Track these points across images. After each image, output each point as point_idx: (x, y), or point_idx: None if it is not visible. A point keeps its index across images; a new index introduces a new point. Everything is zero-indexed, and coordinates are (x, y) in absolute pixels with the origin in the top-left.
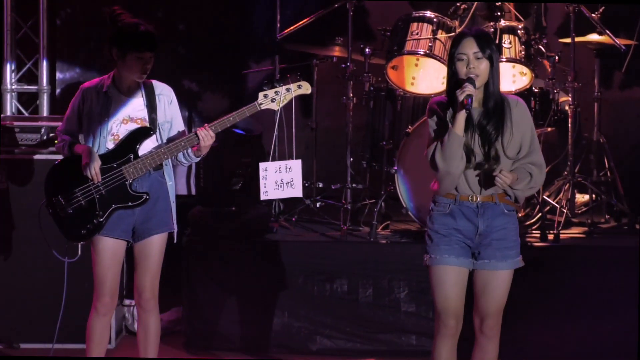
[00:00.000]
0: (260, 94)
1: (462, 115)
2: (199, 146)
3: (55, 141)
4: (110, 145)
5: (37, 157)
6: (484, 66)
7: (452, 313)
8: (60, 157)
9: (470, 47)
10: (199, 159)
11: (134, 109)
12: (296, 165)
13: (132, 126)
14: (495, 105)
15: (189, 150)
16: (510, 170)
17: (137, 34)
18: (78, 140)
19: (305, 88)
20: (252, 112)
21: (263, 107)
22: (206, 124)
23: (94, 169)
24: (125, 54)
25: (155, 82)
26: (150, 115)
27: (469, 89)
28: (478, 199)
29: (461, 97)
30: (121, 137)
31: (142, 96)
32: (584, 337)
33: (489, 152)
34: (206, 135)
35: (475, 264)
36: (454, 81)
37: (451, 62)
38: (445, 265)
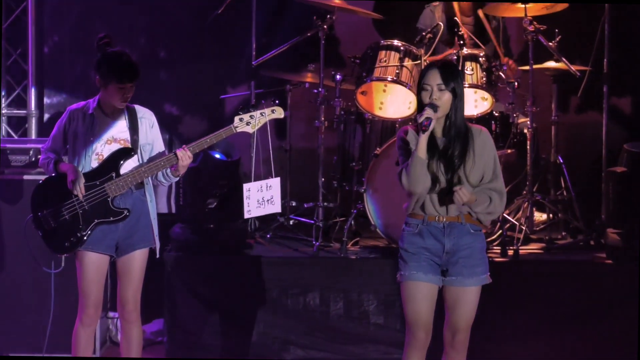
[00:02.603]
0: (236, 118)
1: (423, 138)
2: (177, 166)
3: (39, 156)
4: (95, 164)
5: (26, 177)
6: (446, 97)
7: (421, 326)
8: (41, 177)
9: (434, 79)
10: (177, 178)
11: (118, 131)
12: (275, 183)
13: (116, 146)
14: (457, 134)
15: (168, 171)
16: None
17: (119, 66)
18: (61, 158)
19: (279, 112)
20: (228, 135)
21: (239, 130)
22: (184, 145)
23: (79, 185)
24: (108, 83)
25: (137, 107)
26: (132, 136)
27: (427, 112)
28: (444, 219)
29: (420, 120)
30: (105, 156)
31: (125, 119)
32: (543, 348)
33: (452, 178)
34: (184, 155)
35: (445, 280)
36: (420, 109)
37: (419, 92)
38: (414, 281)
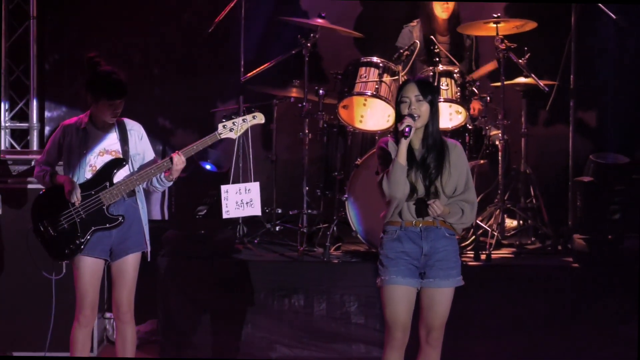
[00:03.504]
0: (220, 125)
1: (403, 145)
2: (171, 171)
3: (33, 169)
4: (89, 175)
5: (30, 186)
6: (424, 108)
7: (400, 327)
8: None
9: (412, 91)
10: (171, 183)
11: (109, 143)
12: (254, 187)
13: (108, 158)
14: (434, 143)
15: (162, 176)
16: (445, 205)
17: (108, 83)
18: (56, 171)
19: (259, 118)
20: (213, 141)
21: (223, 136)
22: (177, 151)
23: (76, 195)
24: (98, 99)
25: (126, 120)
26: (123, 148)
27: (408, 121)
28: (420, 224)
29: (401, 128)
30: (98, 167)
31: (116, 131)
32: (513, 346)
33: (430, 187)
34: (179, 160)
35: (422, 282)
36: (399, 120)
37: (397, 106)
38: (393, 285)
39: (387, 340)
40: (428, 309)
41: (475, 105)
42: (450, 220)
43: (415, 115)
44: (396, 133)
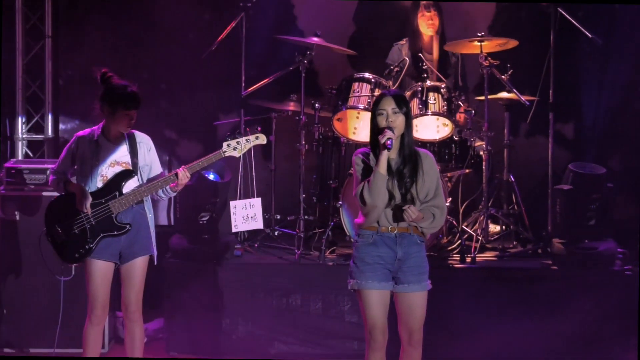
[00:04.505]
0: (224, 144)
1: (384, 156)
2: (177, 183)
3: (48, 173)
4: (100, 184)
5: (45, 193)
6: (400, 120)
7: (379, 329)
8: (56, 194)
9: (389, 104)
10: (175, 194)
11: (120, 155)
12: (257, 202)
13: (118, 169)
14: (410, 153)
15: (167, 187)
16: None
17: (125, 95)
18: (69, 179)
19: (262, 139)
20: (218, 158)
21: (227, 154)
22: (183, 166)
23: (87, 204)
24: (115, 110)
25: (136, 132)
26: (132, 159)
27: (389, 133)
28: (396, 230)
29: (382, 140)
30: (109, 177)
31: (126, 144)
32: (498, 342)
33: (406, 195)
34: (184, 175)
35: (397, 287)
36: (375, 133)
37: (373, 118)
38: (370, 290)
39: (369, 343)
40: (407, 314)
41: (461, 116)
42: (423, 224)
43: (393, 127)
44: (373, 146)
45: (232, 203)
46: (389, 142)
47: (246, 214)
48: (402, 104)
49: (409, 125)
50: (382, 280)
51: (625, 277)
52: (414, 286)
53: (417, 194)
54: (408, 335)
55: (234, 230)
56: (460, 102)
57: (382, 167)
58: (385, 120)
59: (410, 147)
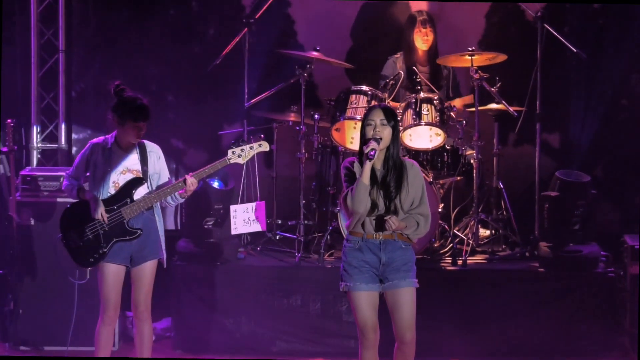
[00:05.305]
0: (229, 151)
1: (367, 166)
2: (186, 189)
3: (61, 180)
4: (112, 190)
5: (59, 199)
6: (387, 132)
7: (370, 328)
8: (70, 200)
9: (377, 116)
10: (183, 200)
11: (131, 163)
12: (260, 205)
13: (129, 176)
14: (394, 165)
15: (176, 194)
16: (402, 219)
17: (134, 107)
18: (82, 185)
19: (265, 146)
20: (223, 165)
21: (231, 161)
22: (190, 173)
23: (101, 213)
24: (125, 122)
25: (146, 142)
26: (142, 167)
27: (373, 144)
28: (380, 237)
29: (366, 150)
30: (120, 184)
31: (137, 152)
32: (488, 340)
33: (390, 205)
34: (192, 183)
35: (384, 286)
36: (363, 142)
37: (362, 128)
38: (359, 292)
39: (361, 341)
40: (396, 312)
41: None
42: (407, 232)
43: (378, 137)
44: (361, 154)
45: (232, 207)
46: (371, 152)
47: (247, 217)
48: (391, 117)
49: (395, 138)
50: (369, 282)
51: (608, 278)
52: (400, 282)
53: (402, 204)
54: (400, 333)
55: (233, 232)
56: (452, 113)
57: (365, 177)
58: (372, 130)
59: (395, 159)
